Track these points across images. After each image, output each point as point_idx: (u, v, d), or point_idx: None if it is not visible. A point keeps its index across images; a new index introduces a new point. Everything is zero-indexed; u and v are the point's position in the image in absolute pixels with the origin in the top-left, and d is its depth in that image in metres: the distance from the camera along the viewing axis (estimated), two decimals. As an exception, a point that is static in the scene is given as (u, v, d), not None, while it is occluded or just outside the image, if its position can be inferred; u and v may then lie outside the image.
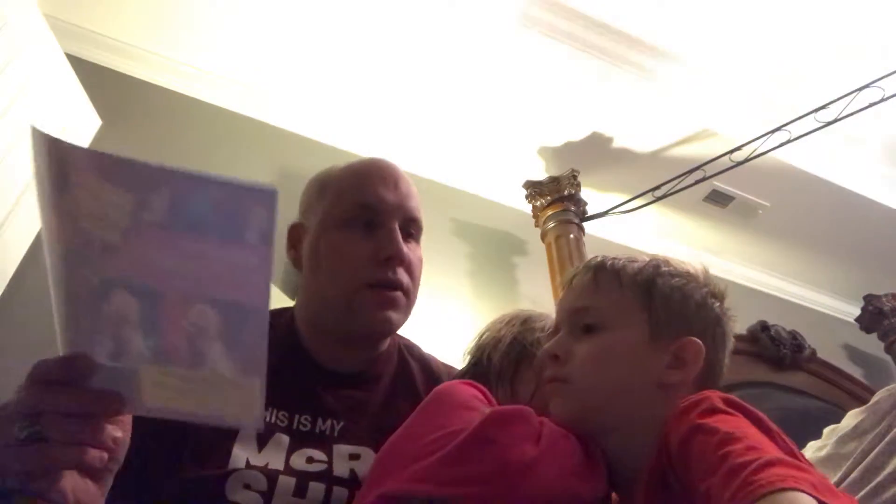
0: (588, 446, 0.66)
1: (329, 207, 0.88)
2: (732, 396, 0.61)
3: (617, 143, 2.41)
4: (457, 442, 0.59)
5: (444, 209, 2.32)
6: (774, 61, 2.21)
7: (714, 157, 2.13)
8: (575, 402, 0.69)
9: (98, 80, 1.91)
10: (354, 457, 0.78)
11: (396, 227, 0.86)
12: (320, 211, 0.89)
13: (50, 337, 0.51)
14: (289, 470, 0.74)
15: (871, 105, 1.89)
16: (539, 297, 2.16)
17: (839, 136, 2.38)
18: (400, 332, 0.95)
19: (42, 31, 1.65)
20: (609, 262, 0.74)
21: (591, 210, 2.30)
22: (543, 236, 2.26)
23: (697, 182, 2.15)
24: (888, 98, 1.87)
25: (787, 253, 2.92)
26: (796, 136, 2.00)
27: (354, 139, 2.28)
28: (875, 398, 1.20)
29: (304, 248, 0.90)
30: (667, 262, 0.74)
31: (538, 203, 2.29)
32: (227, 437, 0.74)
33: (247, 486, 0.71)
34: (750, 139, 2.09)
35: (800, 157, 2.43)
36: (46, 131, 0.44)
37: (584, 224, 2.26)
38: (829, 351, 2.61)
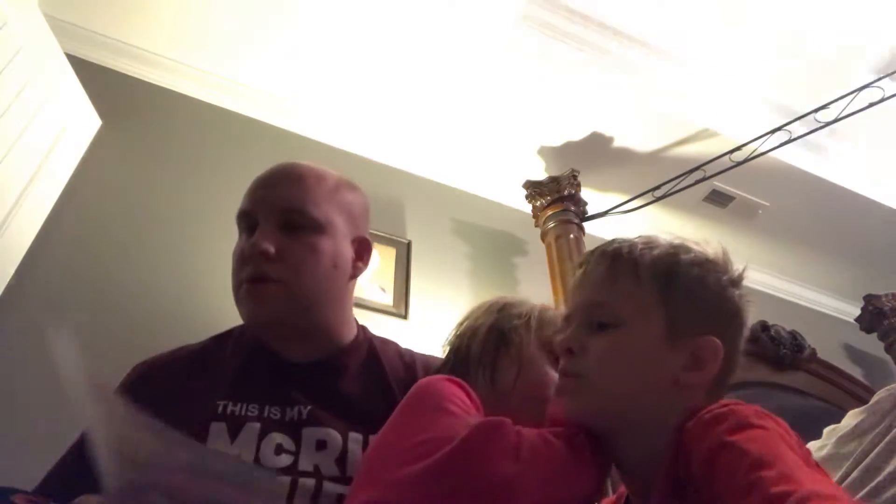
0: (574, 443, 0.65)
1: None
2: (758, 408, 0.59)
3: (617, 143, 2.41)
4: (439, 457, 0.59)
5: (444, 209, 2.32)
6: (774, 61, 2.21)
7: (714, 157, 2.13)
8: (589, 401, 0.67)
9: (98, 80, 1.91)
10: (321, 445, 0.81)
11: (269, 223, 0.89)
12: None
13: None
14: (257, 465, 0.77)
15: (871, 105, 1.89)
16: (539, 297, 2.14)
17: (839, 137, 2.38)
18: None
19: (42, 31, 1.65)
20: (626, 251, 0.70)
21: (591, 210, 2.30)
22: (543, 236, 2.26)
23: (697, 182, 2.15)
24: (888, 98, 1.87)
25: (787, 253, 2.92)
26: (796, 136, 2.00)
27: (354, 139, 2.28)
28: (875, 398, 1.20)
29: None
30: (686, 248, 0.71)
31: (538, 203, 2.29)
32: (199, 435, 0.78)
33: None
34: (750, 139, 2.09)
35: (800, 157, 2.43)
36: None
37: (584, 224, 2.25)
38: (829, 351, 2.61)
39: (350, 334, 0.96)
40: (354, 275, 0.97)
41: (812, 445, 1.22)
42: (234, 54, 2.08)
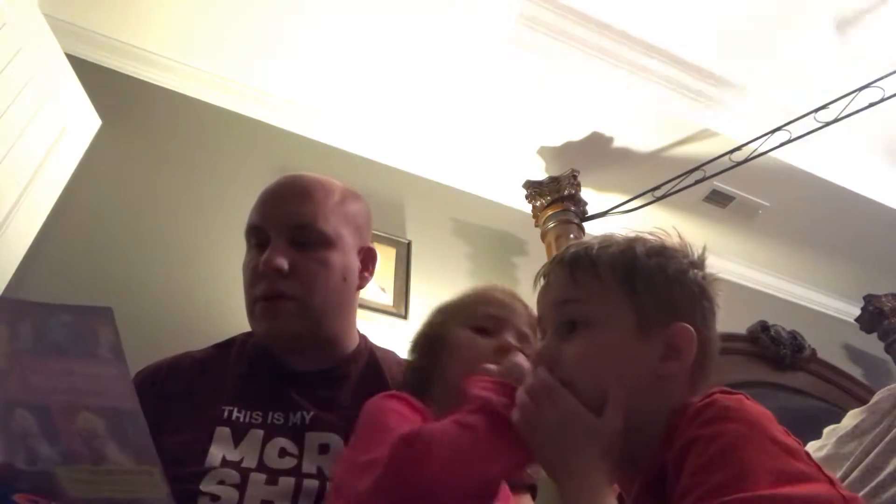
0: (492, 417, 0.65)
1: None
2: (741, 395, 0.60)
3: (617, 143, 2.41)
4: (375, 478, 0.62)
5: (444, 209, 2.32)
6: (774, 61, 2.21)
7: (714, 157, 2.13)
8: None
9: (98, 80, 1.92)
10: (324, 448, 0.83)
11: (281, 239, 0.90)
12: None
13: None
14: (261, 467, 0.79)
15: (871, 105, 1.89)
16: (539, 297, 2.16)
17: (839, 137, 2.38)
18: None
19: (42, 31, 1.65)
20: (583, 253, 0.70)
21: (591, 210, 2.30)
22: (543, 236, 2.26)
23: (697, 182, 2.15)
24: (888, 98, 1.87)
25: (787, 253, 2.92)
26: (796, 136, 2.00)
27: (354, 139, 2.28)
28: (875, 398, 1.20)
29: None
30: (642, 240, 0.71)
31: (538, 203, 2.29)
32: (203, 438, 0.80)
33: (221, 482, 0.76)
34: (750, 139, 2.09)
35: (800, 157, 2.43)
36: None
37: (584, 224, 2.26)
38: (829, 351, 2.61)
39: (353, 343, 0.98)
40: (361, 285, 1.00)
41: (812, 445, 1.22)
42: (234, 55, 2.08)
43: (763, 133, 2.06)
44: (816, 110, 1.97)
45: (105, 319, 0.55)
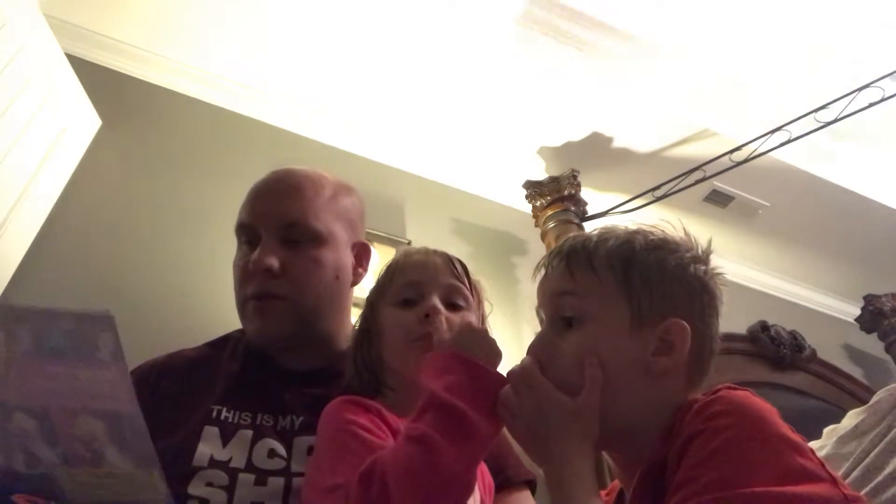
0: (446, 415, 0.63)
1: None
2: (748, 391, 0.59)
3: (617, 143, 2.41)
4: None
5: (444, 209, 2.32)
6: (775, 61, 2.21)
7: (714, 157, 2.13)
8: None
9: (98, 80, 1.91)
10: (312, 451, 0.81)
11: (271, 237, 0.89)
12: None
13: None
14: (250, 467, 0.78)
15: (871, 105, 1.89)
16: (539, 297, 2.16)
17: (839, 137, 2.38)
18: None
19: (42, 31, 1.65)
20: (580, 246, 0.70)
21: (591, 210, 2.30)
22: (543, 236, 2.26)
23: (697, 182, 2.15)
24: (888, 98, 1.87)
25: (787, 253, 2.92)
26: (796, 136, 2.00)
27: (354, 139, 2.28)
28: (875, 398, 1.20)
29: None
30: (642, 233, 0.70)
31: (538, 203, 2.29)
32: (192, 437, 0.79)
33: (209, 484, 0.75)
34: (750, 139, 2.09)
35: (800, 157, 2.43)
36: None
37: (585, 224, 2.25)
38: (829, 351, 2.62)
39: (347, 341, 0.96)
40: (356, 282, 0.98)
41: (812, 445, 1.22)
42: (234, 55, 2.08)
43: (763, 133, 2.06)
44: (816, 110, 1.97)
45: (105, 324, 0.55)
